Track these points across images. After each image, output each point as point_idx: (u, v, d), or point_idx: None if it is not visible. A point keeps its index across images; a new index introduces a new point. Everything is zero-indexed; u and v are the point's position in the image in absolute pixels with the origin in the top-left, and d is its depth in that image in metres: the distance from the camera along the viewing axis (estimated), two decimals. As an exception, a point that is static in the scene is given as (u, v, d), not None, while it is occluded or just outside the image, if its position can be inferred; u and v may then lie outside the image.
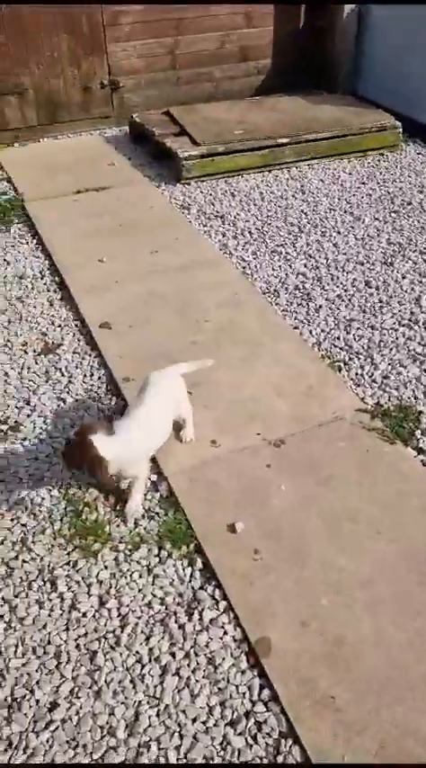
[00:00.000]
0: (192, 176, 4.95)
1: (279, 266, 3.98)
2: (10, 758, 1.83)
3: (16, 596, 2.24)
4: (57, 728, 1.89)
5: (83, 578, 2.28)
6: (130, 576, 2.28)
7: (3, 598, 2.23)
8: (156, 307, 3.59)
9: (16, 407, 3.02)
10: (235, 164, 5.03)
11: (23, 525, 2.48)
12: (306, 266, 3.97)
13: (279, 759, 1.80)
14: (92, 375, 3.18)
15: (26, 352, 3.36)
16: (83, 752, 1.84)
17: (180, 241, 4.22)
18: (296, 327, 3.45)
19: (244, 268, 3.98)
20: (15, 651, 2.08)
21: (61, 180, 5.06)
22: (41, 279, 3.94)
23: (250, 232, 4.36)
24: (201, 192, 4.88)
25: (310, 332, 3.41)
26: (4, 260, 4.14)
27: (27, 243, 4.33)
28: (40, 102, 5.81)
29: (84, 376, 3.18)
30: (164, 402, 2.53)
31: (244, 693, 1.95)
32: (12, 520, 2.50)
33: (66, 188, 4.93)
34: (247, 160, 5.05)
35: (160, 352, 3.08)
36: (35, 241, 4.33)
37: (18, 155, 5.66)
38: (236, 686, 1.96)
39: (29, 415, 2.96)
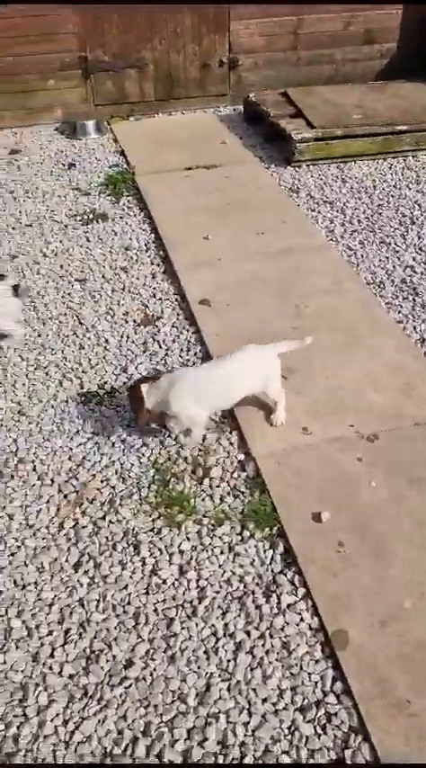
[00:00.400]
0: (304, 159, 4.87)
1: (387, 257, 3.86)
2: (85, 706, 1.90)
3: (101, 554, 2.31)
4: (130, 686, 1.95)
5: (165, 546, 2.32)
6: (212, 550, 2.31)
7: (88, 554, 2.31)
8: (257, 288, 3.57)
9: (114, 374, 3.10)
10: (348, 149, 4.90)
11: (112, 488, 2.55)
12: (414, 260, 3.83)
13: (348, 753, 1.78)
14: (188, 350, 3.21)
15: (127, 322, 3.43)
16: (154, 712, 1.89)
17: (286, 224, 4.17)
18: (399, 322, 3.34)
19: (349, 256, 3.88)
20: (97, 606, 2.16)
21: (173, 156, 5.11)
22: (146, 251, 4.01)
23: (358, 220, 4.25)
24: (312, 177, 4.79)
25: (414, 328, 3.29)
26: (113, 230, 4.24)
27: (135, 215, 4.41)
28: (159, 77, 5.87)
29: (181, 350, 3.21)
30: (240, 370, 2.56)
31: (316, 682, 1.93)
32: (102, 481, 2.58)
33: (177, 164, 4.98)
34: (362, 146, 4.91)
35: (257, 333, 3.07)
36: (143, 214, 4.41)
37: (132, 128, 5.76)
38: (309, 674, 1.95)
39: (124, 383, 3.03)
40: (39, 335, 3.38)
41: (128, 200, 4.59)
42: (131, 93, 5.91)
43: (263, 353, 2.60)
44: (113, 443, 2.74)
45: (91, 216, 4.41)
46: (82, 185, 4.83)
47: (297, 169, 4.88)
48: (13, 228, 4.33)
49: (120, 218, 4.39)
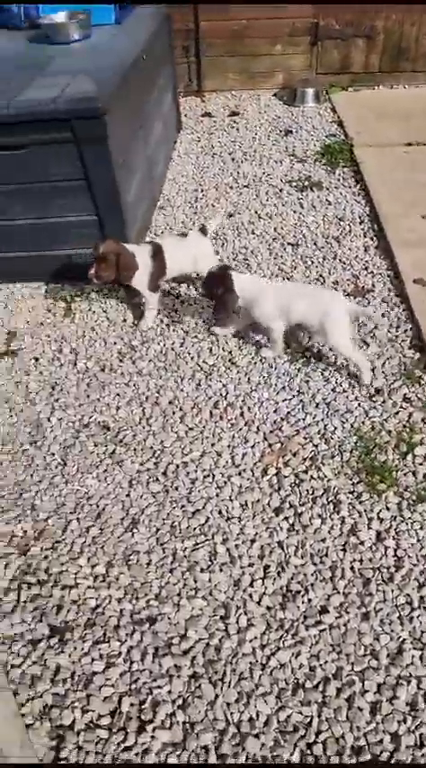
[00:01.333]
0: None
1: None
2: (281, 638, 2.04)
3: (301, 505, 2.42)
4: (324, 630, 2.05)
5: (365, 511, 2.38)
6: (411, 524, 2.33)
7: (289, 503, 2.43)
8: None
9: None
10: None
11: (315, 446, 2.64)
12: None
13: None
14: (398, 327, 3.19)
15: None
16: (345, 660, 1.98)
17: None
18: None
19: None
20: (296, 551, 2.28)
21: (393, 130, 5.00)
22: (360, 224, 4.00)
23: None
24: None
25: None
26: (327, 199, 4.27)
27: (350, 187, 4.39)
28: (387, 48, 5.72)
29: (390, 326, 3.20)
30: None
31: None
32: (305, 438, 2.68)
33: (397, 139, 4.87)
34: None
35: None
36: (358, 186, 4.38)
37: (352, 99, 5.69)
38: None
39: (331, 349, 3.08)
40: (251, 292, 3.51)
41: (344, 171, 4.58)
42: (355, 62, 5.83)
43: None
44: (317, 404, 2.82)
45: (306, 183, 4.47)
46: (298, 152, 4.89)
47: None
48: (230, 188, 4.51)
49: (335, 187, 4.40)
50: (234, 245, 3.91)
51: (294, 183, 4.48)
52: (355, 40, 5.71)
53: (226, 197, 4.40)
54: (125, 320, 3.42)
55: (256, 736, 1.83)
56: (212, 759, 1.79)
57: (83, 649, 2.06)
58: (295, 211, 4.18)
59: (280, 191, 4.42)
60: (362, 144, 4.84)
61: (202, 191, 4.50)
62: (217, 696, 1.92)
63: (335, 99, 5.71)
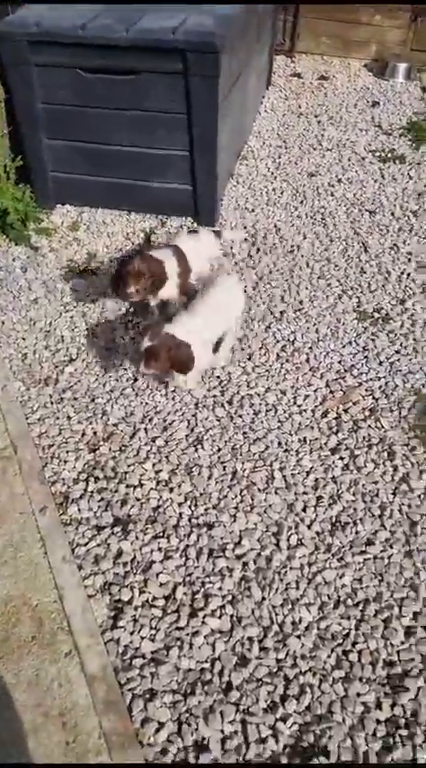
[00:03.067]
0: None
1: None
2: (327, 559, 2.19)
3: (357, 449, 2.55)
4: (368, 559, 2.20)
5: (417, 462, 2.51)
6: (461, 482, 2.45)
7: (346, 445, 2.57)
8: None
9: (390, 303, 3.26)
10: None
11: (375, 399, 2.76)
12: None
13: None
14: (467, 303, 3.27)
15: (410, 261, 3.55)
16: (386, 587, 2.12)
17: None
18: None
19: None
20: (348, 488, 2.42)
21: None
22: (439, 201, 4.04)
23: None
24: None
25: None
26: (408, 174, 4.31)
27: (434, 165, 4.42)
28: None
29: (458, 302, 3.28)
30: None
31: None
32: (366, 390, 2.80)
33: None
34: None
35: None
36: (443, 166, 4.40)
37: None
38: None
39: (399, 314, 3.18)
40: (325, 250, 3.61)
41: (430, 150, 4.60)
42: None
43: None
44: (381, 362, 2.93)
45: (389, 155, 4.50)
46: (383, 124, 4.91)
47: None
48: (313, 149, 4.56)
49: (418, 163, 4.43)
50: (313, 204, 3.99)
51: (377, 154, 4.51)
52: (456, 20, 5.63)
53: (308, 157, 4.45)
54: (201, 258, 3.53)
55: (298, 637, 2.00)
56: (255, 650, 1.96)
57: (143, 540, 2.24)
58: (375, 180, 4.23)
59: (363, 159, 4.46)
60: (451, 125, 4.83)
61: (286, 147, 4.56)
62: (264, 599, 2.09)
63: (426, 78, 5.67)
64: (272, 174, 4.27)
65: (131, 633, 2.00)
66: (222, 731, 1.79)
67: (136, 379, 2.83)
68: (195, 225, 3.66)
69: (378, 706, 1.86)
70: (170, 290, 2.94)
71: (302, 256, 3.56)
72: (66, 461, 2.49)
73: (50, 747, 1.73)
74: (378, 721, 1.83)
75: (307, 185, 4.16)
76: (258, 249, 3.61)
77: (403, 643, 1.99)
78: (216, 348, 2.78)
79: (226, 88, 3.38)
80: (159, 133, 3.36)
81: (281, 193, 4.08)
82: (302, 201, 4.01)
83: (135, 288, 2.73)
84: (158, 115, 3.31)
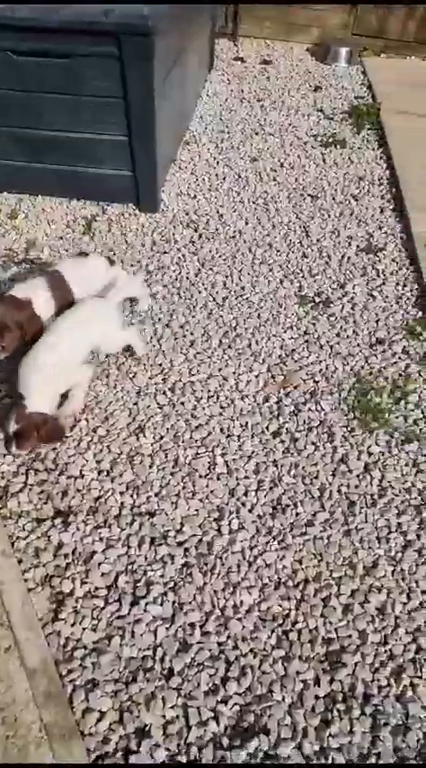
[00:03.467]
0: None
1: None
2: (268, 542, 2.22)
3: (298, 432, 2.59)
4: (308, 540, 2.24)
5: (356, 443, 2.56)
6: (398, 461, 2.51)
7: (287, 429, 2.60)
8: None
9: (331, 287, 3.30)
10: None
11: (316, 382, 2.80)
12: None
13: None
14: (405, 286, 3.33)
15: (349, 245, 3.59)
16: (325, 567, 2.17)
17: None
18: None
19: None
20: (289, 471, 2.45)
21: (422, 101, 5.05)
22: (379, 186, 4.10)
23: None
24: None
25: None
26: (349, 158, 4.35)
27: (373, 149, 4.47)
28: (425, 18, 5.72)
29: (397, 284, 3.34)
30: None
31: None
32: (307, 374, 2.83)
33: (425, 110, 4.93)
34: None
35: None
36: (381, 150, 4.46)
37: (383, 65, 5.71)
38: None
39: (340, 298, 3.23)
40: (267, 235, 3.63)
41: (369, 134, 4.65)
42: (392, 29, 5.82)
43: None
44: (321, 346, 2.97)
45: (330, 139, 4.53)
46: (325, 109, 4.94)
47: None
48: (256, 134, 4.56)
49: (358, 148, 4.47)
50: (255, 189, 3.99)
51: (319, 138, 4.54)
52: (396, 6, 5.68)
53: (251, 142, 4.45)
54: (143, 245, 3.50)
55: (239, 619, 2.02)
56: (197, 635, 1.98)
57: (85, 531, 2.22)
58: (317, 165, 4.26)
59: (305, 143, 4.48)
60: (390, 109, 4.89)
61: (228, 132, 4.55)
62: (205, 584, 2.11)
63: (368, 63, 5.72)
64: (215, 159, 4.25)
65: (72, 625, 1.99)
66: (164, 716, 1.81)
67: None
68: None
69: (317, 683, 1.90)
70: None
71: (244, 242, 3.56)
72: (5, 455, 2.45)
73: (-11, 744, 1.71)
74: (317, 697, 1.87)
75: (250, 170, 4.16)
76: (200, 235, 3.60)
77: (340, 620, 2.04)
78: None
79: (164, 71, 3.33)
80: (96, 118, 3.30)
81: (224, 179, 4.07)
82: (244, 187, 4.01)
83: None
84: (94, 99, 3.25)
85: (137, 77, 3.10)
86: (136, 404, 2.67)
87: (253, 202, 3.88)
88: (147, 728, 1.78)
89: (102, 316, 2.68)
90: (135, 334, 2.86)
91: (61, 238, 3.54)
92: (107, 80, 3.13)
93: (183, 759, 1.72)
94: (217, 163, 4.20)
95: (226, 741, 1.77)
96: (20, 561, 2.13)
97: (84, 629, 1.98)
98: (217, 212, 3.78)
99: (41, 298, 2.64)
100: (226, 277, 3.33)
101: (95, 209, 3.74)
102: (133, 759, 1.71)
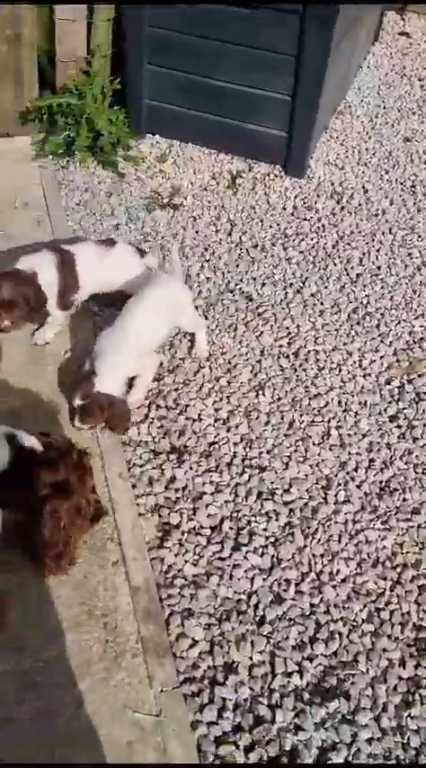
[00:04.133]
0: None
1: None
2: (372, 521, 2.23)
3: (415, 419, 2.55)
4: (412, 527, 2.24)
5: None
6: None
7: (405, 415, 2.58)
8: None
9: None
10: None
11: (441, 375, 2.74)
12: None
13: None
14: None
15: None
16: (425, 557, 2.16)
17: None
18: None
19: None
20: (401, 456, 2.43)
21: None
22: None
23: None
24: None
25: None
26: None
27: None
28: None
29: None
30: None
31: None
32: (433, 365, 2.78)
33: None
34: None
35: None
36: None
37: None
38: None
39: None
40: (411, 219, 3.55)
41: None
42: None
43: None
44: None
45: None
46: None
47: None
48: (413, 113, 4.43)
49: None
50: (405, 170, 3.89)
51: None
52: None
53: (406, 121, 4.32)
54: (284, 208, 3.50)
55: (333, 587, 2.06)
56: (291, 592, 2.03)
57: (196, 471, 2.31)
58: None
59: (463, 130, 4.30)
60: None
61: (384, 108, 4.43)
62: (305, 546, 2.15)
63: None
64: (367, 133, 4.17)
65: (176, 555, 2.08)
66: (251, 658, 1.88)
67: (206, 317, 2.86)
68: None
69: (402, 664, 1.92)
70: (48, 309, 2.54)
71: (386, 221, 3.50)
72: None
73: (91, 641, 1.84)
74: (400, 678, 1.89)
75: (401, 150, 4.05)
76: (342, 208, 3.56)
77: (434, 611, 2.04)
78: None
79: (338, 38, 3.28)
80: (264, 73, 3.30)
81: (373, 154, 3.99)
82: (394, 166, 3.92)
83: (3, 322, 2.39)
84: (267, 54, 3.25)
85: (314, 39, 3.07)
86: (258, 362, 2.71)
87: (401, 183, 3.78)
88: (235, 665, 1.86)
89: (178, 297, 2.54)
90: (204, 329, 2.72)
91: (205, 189, 3.60)
92: (284, 36, 3.13)
93: (265, 702, 1.80)
94: (369, 137, 4.12)
95: (306, 696, 1.82)
96: (134, 486, 2.25)
97: (186, 561, 2.07)
98: (363, 188, 3.72)
99: (47, 275, 2.47)
100: (363, 254, 3.29)
101: (242, 166, 3.76)
102: (218, 690, 1.80)
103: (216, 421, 2.49)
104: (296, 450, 2.41)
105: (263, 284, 3.06)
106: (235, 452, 2.39)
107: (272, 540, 2.16)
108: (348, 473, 2.37)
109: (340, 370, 2.71)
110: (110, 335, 2.36)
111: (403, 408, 2.61)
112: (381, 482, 2.36)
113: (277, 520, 2.20)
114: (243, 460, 2.37)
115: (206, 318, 2.86)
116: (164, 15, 3.29)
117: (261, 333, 2.83)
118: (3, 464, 1.74)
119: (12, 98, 3.55)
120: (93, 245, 2.68)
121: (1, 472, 1.74)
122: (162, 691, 1.78)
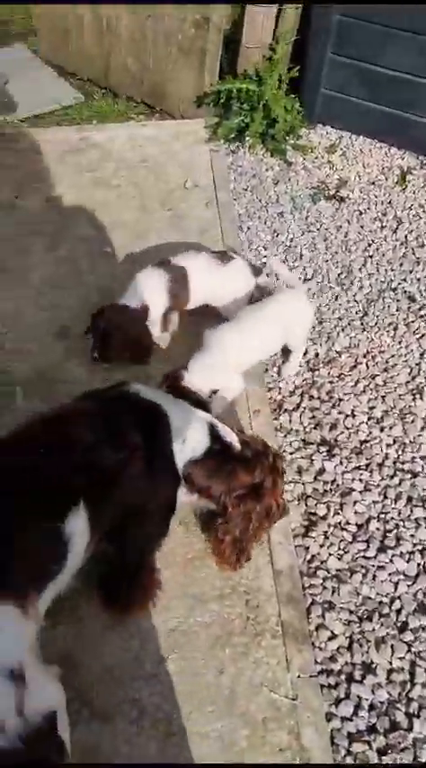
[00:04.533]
0: None
1: None
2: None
3: None
4: None
5: None
6: None
7: None
8: None
9: None
10: None
11: None
12: None
13: None
14: None
15: None
16: None
17: None
18: None
19: None
20: None
21: None
22: None
23: None
24: None
25: None
26: None
27: None
28: None
29: None
30: None
31: None
32: None
33: None
34: None
35: None
36: None
37: None
38: None
39: None
40: None
41: None
42: None
43: None
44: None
45: None
46: None
47: None
48: None
49: None
50: None
51: None
52: None
53: None
54: (457, 209, 3.36)
55: None
56: (436, 604, 1.97)
57: (346, 467, 2.29)
58: None
59: None
60: None
61: None
62: (456, 560, 2.07)
63: None
64: None
65: (320, 546, 2.09)
66: (390, 663, 1.85)
67: (366, 314, 2.82)
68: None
69: None
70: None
71: None
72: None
73: (233, 615, 1.89)
74: None
75: None
76: None
77: None
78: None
79: None
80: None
81: None
82: None
83: (103, 353, 2.36)
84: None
85: None
86: (418, 364, 2.64)
87: None
88: (374, 666, 1.84)
89: (298, 313, 2.38)
90: (302, 353, 2.56)
91: (373, 183, 3.52)
92: None
93: (402, 709, 1.76)
94: None
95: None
96: (283, 472, 2.26)
97: (330, 554, 2.07)
98: None
99: (158, 305, 2.38)
100: None
101: (414, 162, 3.64)
102: (354, 688, 1.79)
103: (369, 419, 2.45)
104: (453, 461, 2.32)
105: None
106: (387, 453, 2.34)
107: (420, 547, 2.10)
108: None
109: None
110: (218, 334, 2.21)
111: None
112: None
113: (426, 528, 2.14)
114: (394, 463, 2.32)
115: (365, 315, 2.82)
116: (355, 4, 3.23)
117: (423, 335, 2.74)
118: (201, 451, 1.77)
119: (193, 81, 3.65)
120: (206, 259, 2.46)
121: (196, 460, 1.76)
122: (299, 676, 1.79)
